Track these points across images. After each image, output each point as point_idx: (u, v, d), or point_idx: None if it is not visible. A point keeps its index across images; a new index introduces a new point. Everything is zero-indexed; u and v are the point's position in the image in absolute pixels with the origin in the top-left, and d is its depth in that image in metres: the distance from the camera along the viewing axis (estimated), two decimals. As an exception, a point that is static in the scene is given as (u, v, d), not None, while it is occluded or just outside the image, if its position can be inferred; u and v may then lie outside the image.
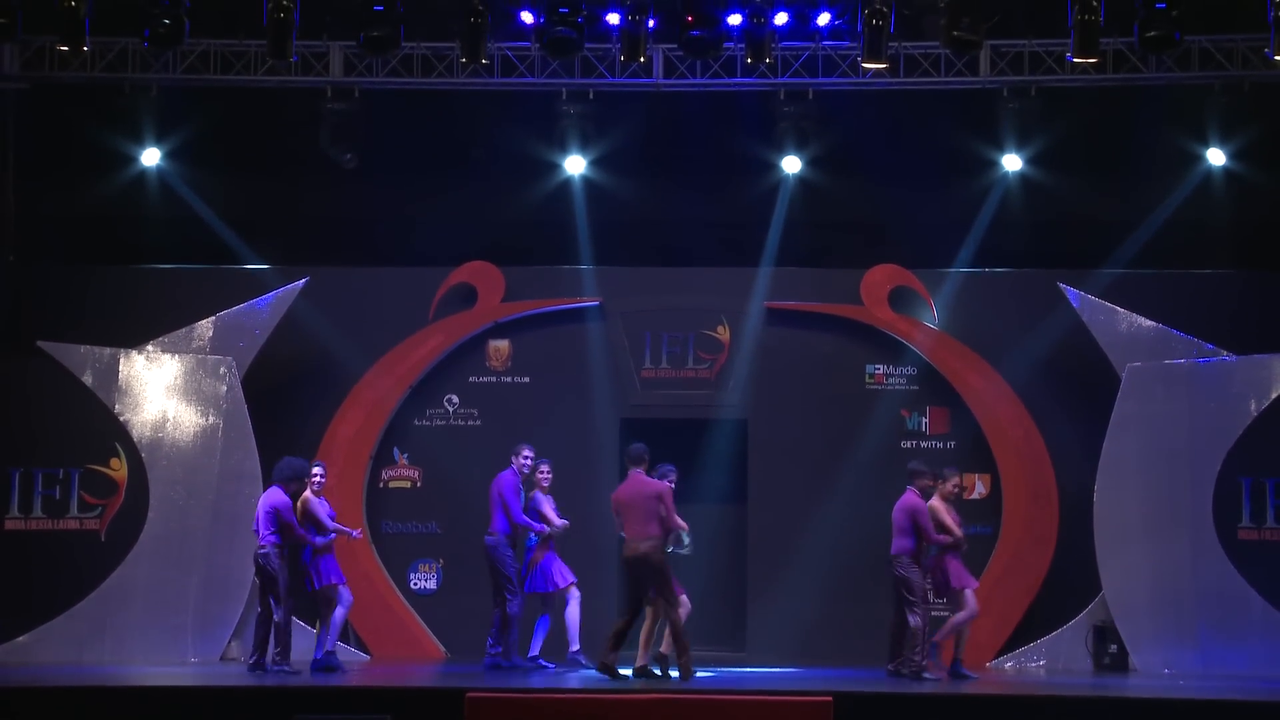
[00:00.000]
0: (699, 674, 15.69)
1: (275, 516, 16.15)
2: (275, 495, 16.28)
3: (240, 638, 17.75)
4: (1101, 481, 17.91)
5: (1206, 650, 17.46)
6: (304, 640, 16.93)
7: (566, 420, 18.72)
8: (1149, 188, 18.73)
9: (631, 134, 18.78)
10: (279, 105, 18.52)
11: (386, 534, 18.85)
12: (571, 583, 16.82)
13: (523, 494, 16.82)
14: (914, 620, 16.03)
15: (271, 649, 16.14)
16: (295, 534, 16.23)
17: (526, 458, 16.86)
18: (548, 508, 16.87)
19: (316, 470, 16.62)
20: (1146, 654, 17.62)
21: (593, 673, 16.03)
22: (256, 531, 16.36)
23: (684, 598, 15.97)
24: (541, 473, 16.96)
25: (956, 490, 16.89)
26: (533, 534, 16.79)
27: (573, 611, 16.75)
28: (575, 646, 16.68)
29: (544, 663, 16.77)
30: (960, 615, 16.37)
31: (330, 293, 18.84)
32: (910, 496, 16.31)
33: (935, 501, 16.45)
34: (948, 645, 16.50)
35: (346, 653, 17.87)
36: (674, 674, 15.57)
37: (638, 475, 15.80)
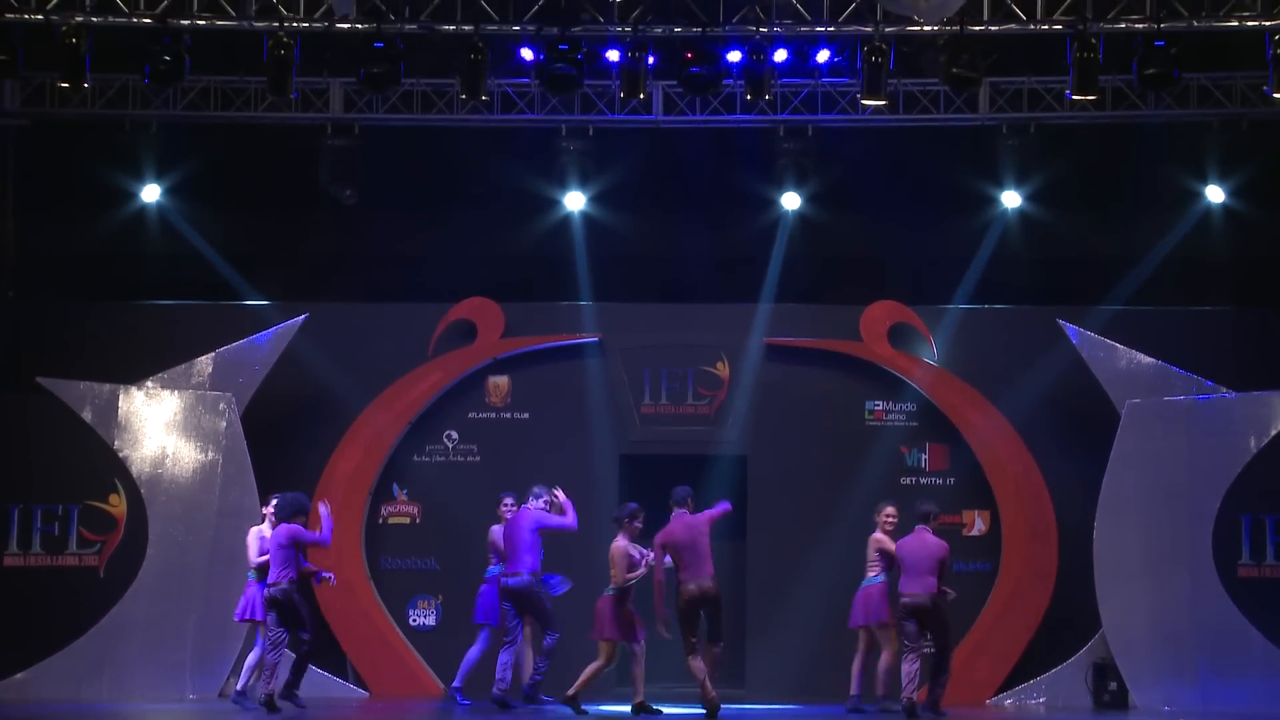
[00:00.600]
0: (691, 712, 15.63)
1: (295, 550, 16.05)
2: (293, 529, 16.16)
3: (239, 675, 17.69)
4: (1101, 518, 17.89)
5: (1206, 687, 17.42)
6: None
7: (566, 456, 18.70)
8: (1148, 224, 18.75)
9: (631, 170, 18.82)
10: (279, 141, 18.56)
11: (385, 570, 18.81)
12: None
13: None
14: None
15: (278, 680, 15.98)
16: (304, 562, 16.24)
17: (545, 502, 16.70)
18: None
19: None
20: (1146, 691, 17.57)
21: (589, 709, 15.93)
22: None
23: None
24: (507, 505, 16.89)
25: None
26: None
27: (475, 652, 16.76)
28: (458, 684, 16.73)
29: (545, 697, 16.71)
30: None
31: (330, 329, 18.85)
32: (931, 535, 16.23)
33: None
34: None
35: (345, 689, 17.86)
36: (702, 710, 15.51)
37: (684, 515, 15.70)
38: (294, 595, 16.05)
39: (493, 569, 16.79)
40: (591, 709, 15.77)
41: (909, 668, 15.77)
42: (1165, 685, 17.56)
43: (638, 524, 15.79)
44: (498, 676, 16.20)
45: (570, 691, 15.64)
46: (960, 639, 18.17)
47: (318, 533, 16.05)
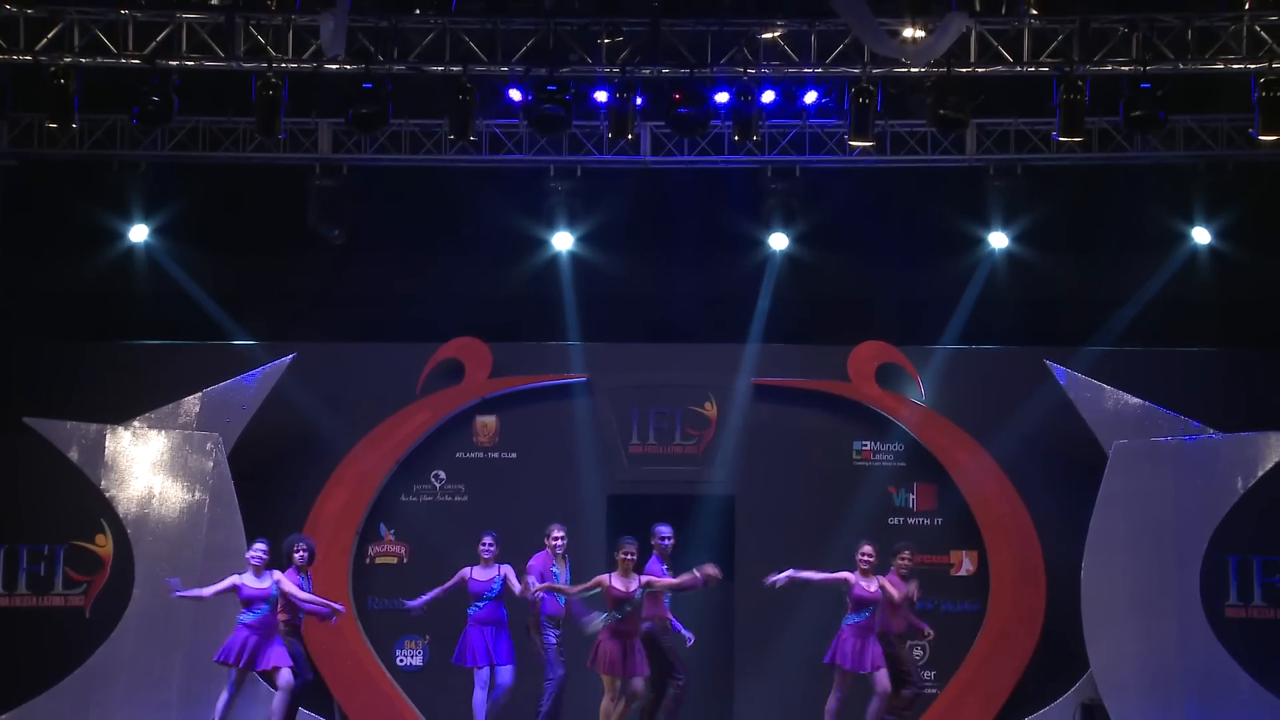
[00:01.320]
0: None
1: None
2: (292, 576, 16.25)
3: (227, 716, 17.65)
4: (1089, 559, 17.90)
5: (1194, 728, 17.45)
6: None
7: (554, 496, 18.66)
8: (1135, 265, 18.79)
9: (619, 210, 18.83)
10: (267, 181, 18.56)
11: (372, 610, 18.76)
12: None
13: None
14: None
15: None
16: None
17: (558, 539, 16.66)
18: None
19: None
20: (1134, 732, 17.60)
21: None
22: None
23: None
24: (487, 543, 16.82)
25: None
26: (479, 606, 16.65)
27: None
28: None
29: None
30: None
31: (317, 368, 18.84)
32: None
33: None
34: None
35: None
36: None
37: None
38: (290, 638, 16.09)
39: (475, 607, 16.66)
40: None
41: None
42: (1153, 726, 17.58)
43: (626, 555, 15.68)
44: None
45: None
46: (948, 679, 18.22)
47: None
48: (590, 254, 19.10)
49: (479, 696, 16.42)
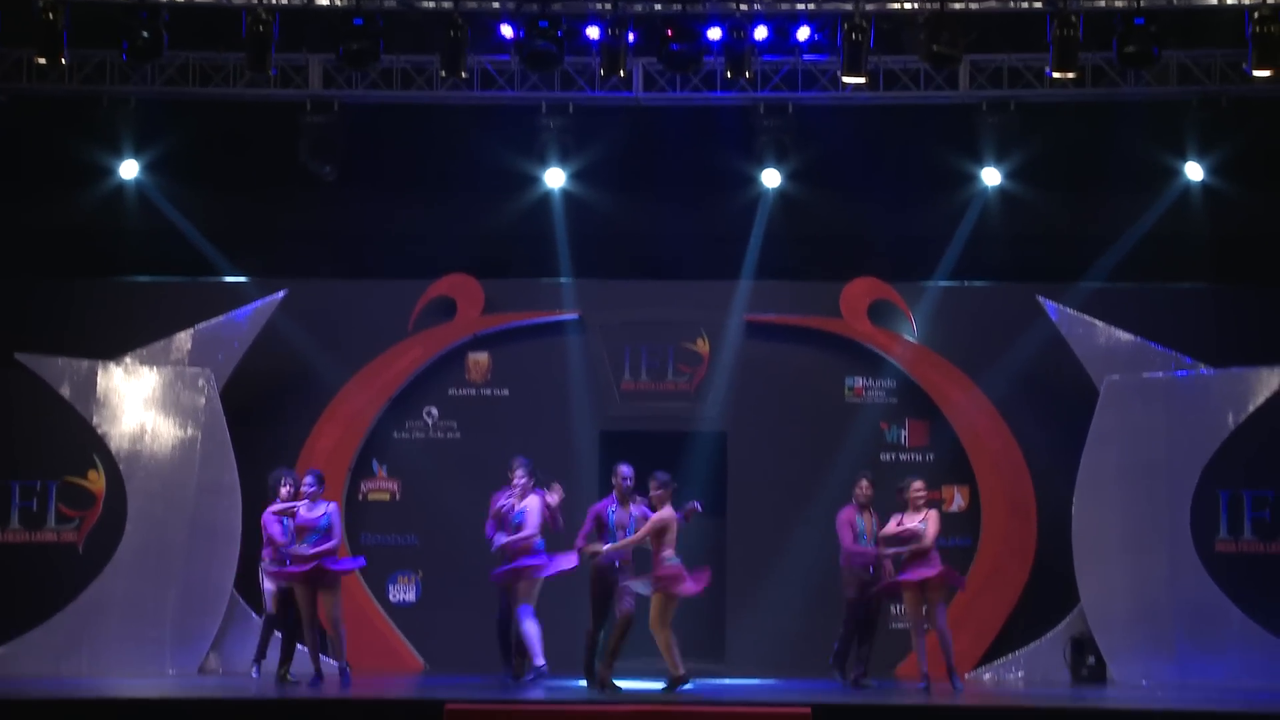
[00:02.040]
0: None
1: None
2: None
3: (219, 650, 17.74)
4: (1080, 494, 17.95)
5: (1184, 662, 17.50)
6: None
7: (546, 433, 18.70)
8: (1127, 202, 18.78)
9: (611, 147, 18.79)
10: (258, 118, 18.48)
11: (365, 546, 18.80)
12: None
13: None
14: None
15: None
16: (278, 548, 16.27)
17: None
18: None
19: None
20: (1124, 666, 17.65)
21: (571, 683, 16.01)
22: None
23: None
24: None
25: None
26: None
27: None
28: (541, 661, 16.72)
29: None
30: None
31: (309, 305, 18.83)
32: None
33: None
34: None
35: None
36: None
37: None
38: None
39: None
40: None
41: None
42: (1143, 659, 17.63)
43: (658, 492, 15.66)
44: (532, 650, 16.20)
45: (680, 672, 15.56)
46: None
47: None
48: (582, 191, 19.06)
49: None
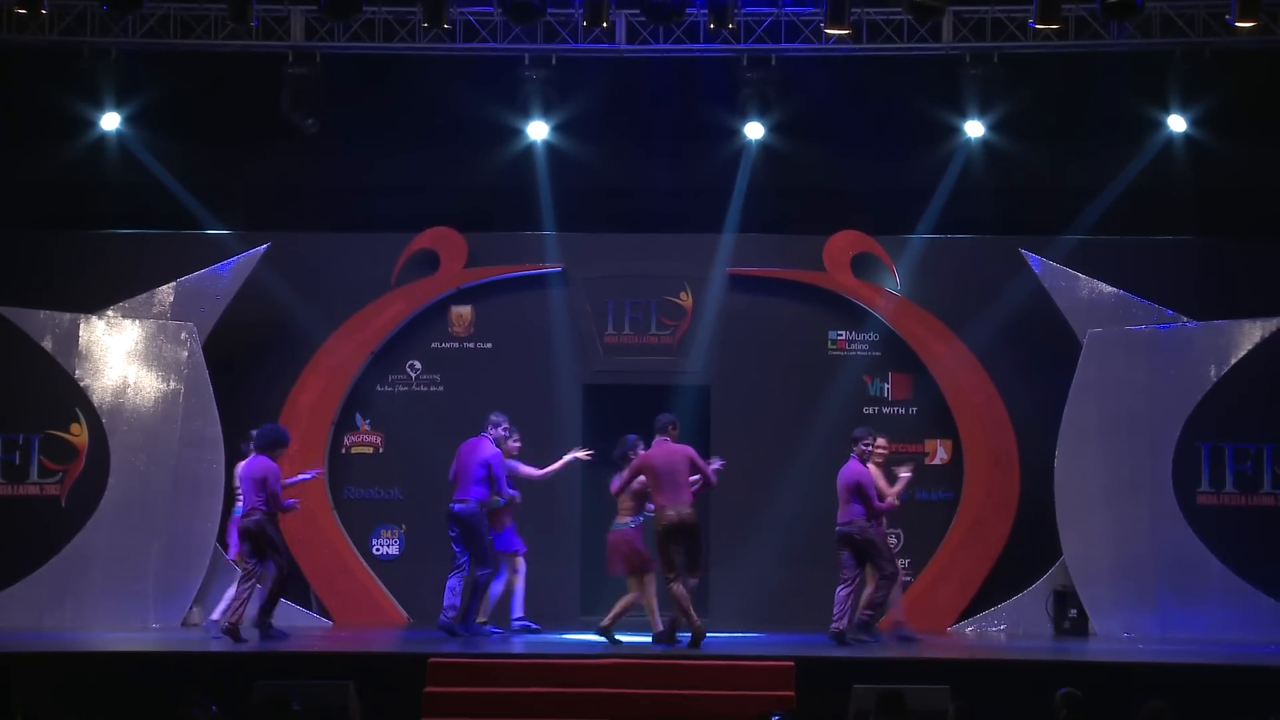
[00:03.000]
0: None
1: (264, 484, 16.08)
2: (263, 464, 16.21)
3: (202, 604, 17.73)
4: (1062, 447, 17.98)
5: (1165, 614, 17.56)
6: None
7: (529, 386, 18.71)
8: (1110, 154, 18.73)
9: (594, 100, 18.70)
10: (240, 70, 18.37)
11: (348, 500, 18.81)
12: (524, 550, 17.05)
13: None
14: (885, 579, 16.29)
15: (247, 611, 16.05)
16: (279, 503, 16.20)
17: (504, 429, 16.81)
18: (525, 469, 17.03)
19: None
20: (1106, 618, 17.70)
21: (553, 637, 16.07)
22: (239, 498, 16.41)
23: None
24: (515, 440, 16.96)
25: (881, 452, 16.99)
26: (501, 499, 16.76)
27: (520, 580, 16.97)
28: (520, 613, 16.89)
29: (531, 624, 16.87)
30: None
31: (292, 258, 18.78)
32: (854, 463, 16.44)
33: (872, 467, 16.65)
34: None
35: (309, 618, 17.88)
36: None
37: (665, 442, 15.87)
38: (266, 526, 16.09)
39: (501, 502, 16.81)
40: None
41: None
42: (1125, 612, 17.69)
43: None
44: (446, 603, 16.30)
45: (604, 623, 15.77)
46: (922, 567, 18.34)
47: (284, 499, 16.16)
48: (565, 144, 18.99)
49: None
